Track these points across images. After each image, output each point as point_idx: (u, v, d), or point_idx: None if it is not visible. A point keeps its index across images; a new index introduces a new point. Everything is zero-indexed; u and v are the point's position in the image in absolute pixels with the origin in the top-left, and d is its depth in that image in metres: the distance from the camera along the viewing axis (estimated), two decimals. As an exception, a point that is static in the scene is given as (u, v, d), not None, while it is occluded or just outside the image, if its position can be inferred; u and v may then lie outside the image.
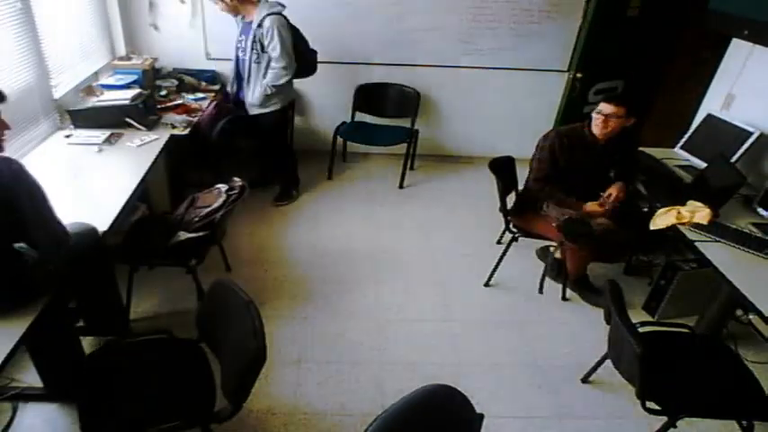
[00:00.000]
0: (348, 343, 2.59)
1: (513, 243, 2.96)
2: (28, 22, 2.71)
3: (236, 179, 2.58)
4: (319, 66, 4.08)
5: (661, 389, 1.85)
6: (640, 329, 1.89)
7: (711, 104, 3.30)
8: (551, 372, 2.50)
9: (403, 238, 3.47)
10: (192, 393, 1.75)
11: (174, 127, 3.10)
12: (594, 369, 2.39)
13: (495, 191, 2.86)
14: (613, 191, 2.69)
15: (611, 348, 2.08)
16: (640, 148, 3.15)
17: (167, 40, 3.92)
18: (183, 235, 2.47)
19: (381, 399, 2.29)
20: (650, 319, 2.81)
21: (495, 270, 3.03)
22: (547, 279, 3.06)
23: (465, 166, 4.53)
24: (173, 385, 1.77)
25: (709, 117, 3.11)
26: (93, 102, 3.16)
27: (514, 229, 2.90)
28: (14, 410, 2.11)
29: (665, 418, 1.88)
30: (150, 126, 3.07)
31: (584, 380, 2.43)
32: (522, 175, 2.98)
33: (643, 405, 1.80)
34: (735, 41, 3.12)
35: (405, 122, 4.18)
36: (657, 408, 1.83)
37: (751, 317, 2.72)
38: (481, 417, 1.35)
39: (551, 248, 3.00)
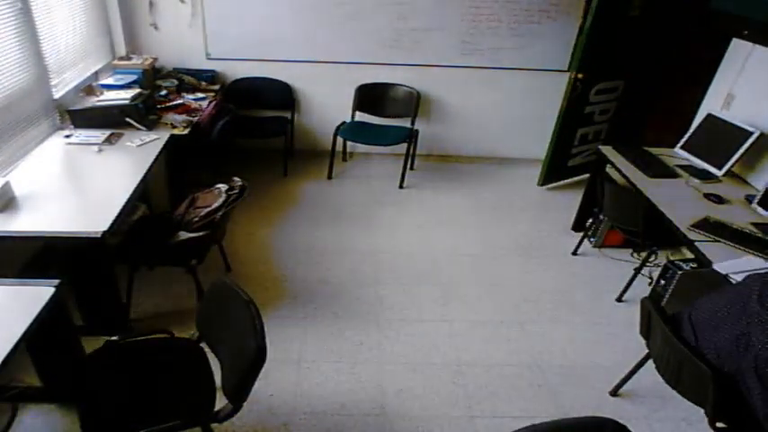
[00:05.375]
0: (348, 343, 2.59)
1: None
2: (28, 22, 2.71)
3: (236, 179, 2.58)
4: (319, 66, 4.11)
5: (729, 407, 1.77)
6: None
7: (711, 104, 3.30)
8: (551, 372, 2.50)
9: (403, 238, 3.47)
10: (192, 393, 1.75)
11: (174, 127, 3.10)
12: (625, 381, 2.36)
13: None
14: None
15: (661, 367, 2.01)
16: (645, 148, 3.16)
17: (167, 40, 3.92)
18: (184, 235, 2.47)
19: (381, 399, 2.29)
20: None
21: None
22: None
23: (465, 166, 4.53)
24: (173, 385, 1.77)
25: (710, 117, 3.11)
26: (93, 102, 3.16)
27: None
28: (14, 410, 2.11)
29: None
30: (150, 126, 3.07)
31: (614, 393, 2.38)
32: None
33: (713, 426, 1.78)
34: (735, 41, 3.12)
35: (405, 122, 4.18)
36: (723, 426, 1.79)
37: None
38: None
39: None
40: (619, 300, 2.99)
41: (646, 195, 2.70)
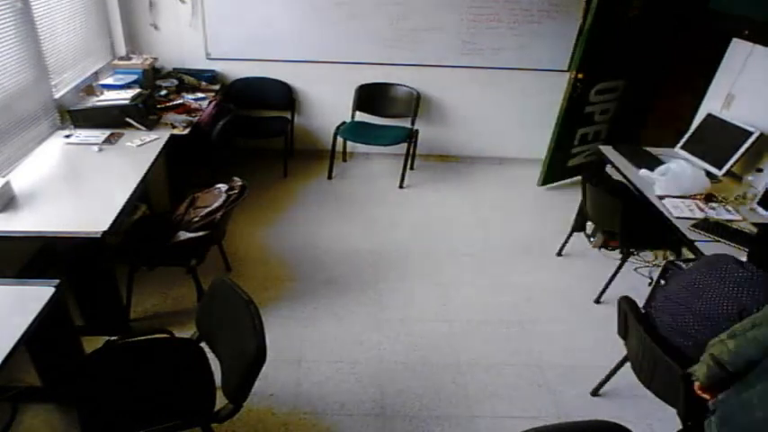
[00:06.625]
0: (348, 343, 2.59)
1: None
2: (28, 22, 2.71)
3: (236, 179, 2.58)
4: (319, 66, 4.10)
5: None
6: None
7: (711, 104, 3.30)
8: (551, 372, 2.50)
9: (403, 238, 3.47)
10: (192, 393, 1.75)
11: (174, 127, 3.10)
12: (606, 381, 2.37)
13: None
14: None
15: (636, 367, 2.01)
16: (645, 148, 3.16)
17: (167, 40, 3.92)
18: (184, 235, 2.47)
19: (381, 399, 2.29)
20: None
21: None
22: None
23: (465, 166, 4.53)
24: (173, 385, 1.77)
25: (710, 117, 3.11)
26: (93, 102, 3.15)
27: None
28: (14, 410, 2.10)
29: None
30: (150, 126, 3.07)
31: (595, 393, 2.39)
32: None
33: (685, 426, 1.78)
34: (735, 41, 3.12)
35: (405, 122, 4.18)
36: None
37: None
38: None
39: None
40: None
41: (628, 196, 2.67)
